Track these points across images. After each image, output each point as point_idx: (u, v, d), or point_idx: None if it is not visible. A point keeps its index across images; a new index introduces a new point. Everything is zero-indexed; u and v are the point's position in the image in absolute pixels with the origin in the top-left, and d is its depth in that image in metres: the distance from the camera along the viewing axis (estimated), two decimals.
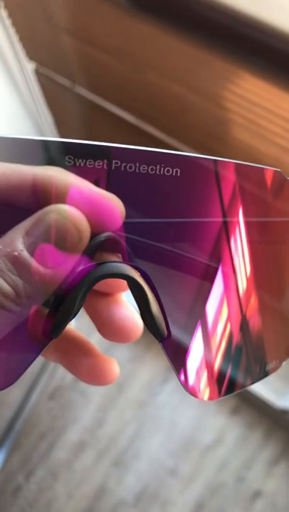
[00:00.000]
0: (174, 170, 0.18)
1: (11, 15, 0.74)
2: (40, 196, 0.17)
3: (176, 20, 0.55)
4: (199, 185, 0.19)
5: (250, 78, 0.53)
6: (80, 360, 0.22)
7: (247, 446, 1.00)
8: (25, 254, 0.17)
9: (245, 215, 0.20)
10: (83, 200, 0.17)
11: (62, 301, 0.18)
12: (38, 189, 0.17)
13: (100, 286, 0.20)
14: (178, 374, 0.21)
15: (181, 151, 0.21)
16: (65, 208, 0.17)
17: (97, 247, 0.18)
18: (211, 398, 0.22)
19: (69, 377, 1.09)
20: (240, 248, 0.20)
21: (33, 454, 1.03)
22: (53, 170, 0.17)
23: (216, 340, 0.21)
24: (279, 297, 0.23)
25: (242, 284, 0.22)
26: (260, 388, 1.00)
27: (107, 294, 0.21)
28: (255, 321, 0.23)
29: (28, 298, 0.17)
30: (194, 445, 1.01)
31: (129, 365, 1.09)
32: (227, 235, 0.20)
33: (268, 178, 0.21)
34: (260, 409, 1.02)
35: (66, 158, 0.17)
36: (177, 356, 0.20)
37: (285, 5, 0.45)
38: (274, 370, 0.24)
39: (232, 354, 0.22)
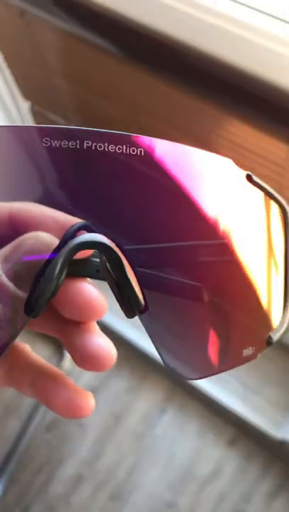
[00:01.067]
0: (139, 150, 0.20)
1: (6, 58, 0.76)
2: (17, 227, 0.18)
3: (168, 69, 0.56)
4: (160, 165, 0.21)
5: (240, 125, 0.54)
6: (57, 395, 0.22)
7: (245, 478, 1.00)
8: (4, 278, 0.17)
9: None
10: (58, 227, 0.18)
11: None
12: (15, 221, 0.18)
13: (73, 313, 0.21)
14: (157, 349, 0.21)
15: None
16: (42, 234, 0.18)
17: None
18: (190, 378, 0.22)
19: None
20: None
21: (29, 488, 1.03)
22: (29, 204, 0.19)
23: (193, 317, 0.22)
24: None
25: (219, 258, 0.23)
26: (258, 419, 0.99)
27: (80, 323, 0.22)
28: (234, 303, 0.24)
29: (6, 321, 0.18)
30: (192, 477, 1.01)
31: (125, 397, 1.09)
32: (192, 209, 0.22)
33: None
34: (257, 440, 1.02)
35: (43, 140, 0.19)
36: (156, 331, 0.21)
37: (273, 58, 0.47)
38: (250, 358, 0.24)
39: (209, 332, 0.23)
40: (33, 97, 0.83)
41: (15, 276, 0.18)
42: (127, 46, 0.58)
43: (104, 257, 0.20)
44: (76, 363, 0.22)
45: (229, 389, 1.04)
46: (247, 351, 0.24)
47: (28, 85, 0.81)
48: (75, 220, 0.19)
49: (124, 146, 0.20)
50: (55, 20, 0.60)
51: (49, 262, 0.18)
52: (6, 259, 0.18)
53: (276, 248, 0.25)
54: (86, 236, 0.19)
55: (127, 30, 0.54)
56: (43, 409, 1.07)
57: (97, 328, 0.22)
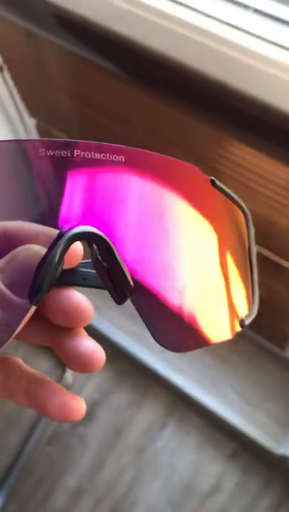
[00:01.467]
0: (120, 157, 0.23)
1: (13, 76, 0.78)
2: (10, 243, 0.21)
3: (172, 91, 0.58)
4: (141, 171, 0.24)
5: (242, 146, 0.56)
6: (50, 400, 0.23)
7: (246, 493, 1.00)
8: (1, 286, 0.20)
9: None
10: (48, 241, 0.20)
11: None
12: (9, 237, 0.21)
13: (63, 319, 0.23)
14: (149, 328, 0.23)
15: None
16: (34, 246, 0.20)
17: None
18: (180, 350, 0.24)
19: (67, 422, 1.09)
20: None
21: (30, 501, 1.03)
22: (21, 222, 0.21)
23: (181, 294, 0.24)
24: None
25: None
26: (258, 434, 1.00)
27: (69, 329, 0.23)
28: (210, 291, 0.26)
29: (5, 325, 0.20)
30: (193, 492, 1.01)
31: (127, 410, 1.09)
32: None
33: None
34: (258, 455, 1.02)
35: (39, 150, 0.21)
36: (147, 311, 0.23)
37: (275, 83, 0.48)
38: (225, 338, 0.26)
39: (199, 308, 0.25)
40: (39, 114, 0.85)
41: (11, 284, 0.20)
42: (128, 67, 0.59)
43: (95, 248, 0.22)
44: (68, 366, 0.24)
45: (229, 403, 1.04)
46: (223, 332, 0.26)
47: (34, 103, 0.82)
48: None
49: (108, 154, 0.22)
50: (59, 40, 0.61)
51: (49, 251, 0.20)
52: (2, 270, 0.20)
53: (241, 246, 0.28)
54: (80, 228, 0.21)
55: (129, 51, 0.56)
56: (44, 422, 1.08)
57: (84, 332, 0.24)
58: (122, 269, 0.22)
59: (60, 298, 0.22)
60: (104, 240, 0.21)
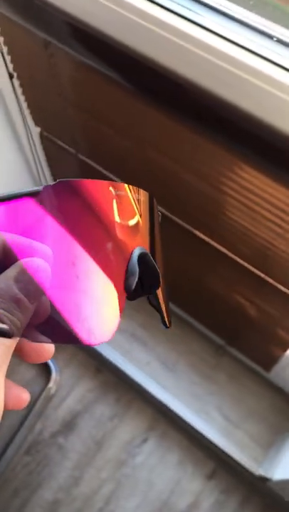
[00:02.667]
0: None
1: (22, 84, 0.78)
2: (9, 254, 0.24)
3: (180, 108, 0.59)
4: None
5: (248, 169, 0.57)
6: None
7: None
8: (22, 297, 0.23)
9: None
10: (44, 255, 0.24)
11: None
12: (8, 247, 0.24)
13: (30, 358, 0.28)
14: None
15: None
16: (37, 259, 0.24)
17: None
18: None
19: (47, 432, 1.08)
20: None
21: None
22: (11, 235, 0.24)
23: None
24: None
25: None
26: (238, 454, 1.00)
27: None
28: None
29: (22, 328, 0.23)
30: (170, 510, 1.00)
31: (109, 423, 1.08)
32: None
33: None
34: (237, 475, 1.02)
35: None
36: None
37: (284, 109, 0.49)
38: None
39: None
40: (44, 123, 0.85)
41: (27, 293, 0.23)
42: (142, 83, 0.60)
43: None
44: (25, 359, 0.28)
45: (212, 422, 1.04)
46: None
47: (40, 112, 0.83)
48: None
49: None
50: (73, 52, 0.62)
51: None
52: (17, 280, 0.23)
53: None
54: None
55: (144, 67, 0.56)
56: (24, 431, 1.06)
57: None
58: None
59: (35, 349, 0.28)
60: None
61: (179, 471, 1.04)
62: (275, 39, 0.45)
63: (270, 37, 0.46)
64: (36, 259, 0.23)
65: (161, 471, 1.04)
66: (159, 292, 0.31)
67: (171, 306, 0.96)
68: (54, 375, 1.12)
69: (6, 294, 0.22)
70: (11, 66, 0.76)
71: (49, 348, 0.29)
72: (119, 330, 0.30)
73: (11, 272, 0.23)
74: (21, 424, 1.07)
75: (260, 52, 0.46)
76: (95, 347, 1.05)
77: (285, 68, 0.46)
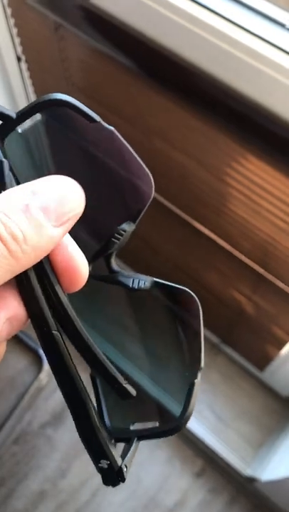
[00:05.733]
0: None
1: (30, 68, 0.78)
2: None
3: (190, 97, 0.58)
4: None
5: (255, 160, 0.56)
6: None
7: None
8: (37, 211, 0.19)
9: None
10: None
11: None
12: None
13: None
14: None
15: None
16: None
17: None
18: None
19: (36, 422, 1.07)
20: None
21: None
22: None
23: None
24: None
25: None
26: (227, 453, 0.99)
27: None
28: None
29: (33, 248, 0.19)
30: (157, 506, 1.00)
31: None
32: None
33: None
34: (225, 474, 1.01)
35: None
36: None
37: None
38: None
39: None
40: None
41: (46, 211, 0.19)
42: (153, 70, 0.60)
43: None
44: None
45: (203, 420, 1.04)
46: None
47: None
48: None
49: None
50: (84, 36, 0.62)
51: None
52: (35, 192, 0.19)
53: None
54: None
55: (155, 54, 0.56)
56: (13, 420, 1.05)
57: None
58: None
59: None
60: None
61: (168, 468, 1.03)
62: (287, 27, 0.45)
63: (281, 25, 0.45)
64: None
65: (149, 466, 1.03)
66: None
67: None
68: (46, 365, 1.11)
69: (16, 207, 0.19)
70: (19, 49, 0.75)
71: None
72: None
73: (34, 186, 0.20)
74: (11, 413, 1.06)
75: (271, 41, 0.45)
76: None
77: None
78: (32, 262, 0.20)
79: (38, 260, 0.20)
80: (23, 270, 0.20)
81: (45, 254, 0.20)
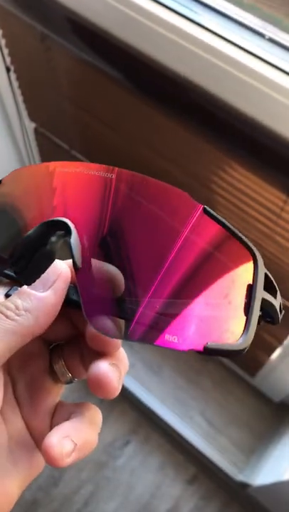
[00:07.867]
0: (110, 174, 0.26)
1: (19, 78, 0.79)
2: None
3: (175, 106, 0.59)
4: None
5: (239, 168, 0.57)
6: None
7: None
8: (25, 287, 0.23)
9: None
10: None
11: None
12: None
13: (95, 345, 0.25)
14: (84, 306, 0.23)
15: None
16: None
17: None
18: (114, 336, 0.24)
19: None
20: None
21: None
22: None
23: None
24: None
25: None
26: (220, 459, 1.00)
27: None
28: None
29: (25, 310, 0.23)
30: None
31: None
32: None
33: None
34: (217, 480, 1.02)
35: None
36: (88, 290, 0.23)
37: (276, 109, 0.50)
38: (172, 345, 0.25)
39: (141, 301, 0.24)
40: (39, 118, 0.86)
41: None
42: (138, 80, 0.61)
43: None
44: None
45: (195, 426, 1.04)
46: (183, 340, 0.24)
47: (36, 107, 0.83)
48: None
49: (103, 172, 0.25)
50: (72, 47, 0.63)
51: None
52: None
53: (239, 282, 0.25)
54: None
55: (141, 64, 0.57)
56: None
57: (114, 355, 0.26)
58: (72, 251, 0.23)
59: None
60: (66, 223, 0.24)
61: (160, 475, 1.03)
62: (267, 38, 0.46)
63: (262, 35, 0.46)
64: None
65: (141, 474, 1.03)
66: None
67: None
68: None
69: None
70: (8, 59, 0.76)
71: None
72: None
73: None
74: None
75: (252, 51, 0.46)
76: None
77: (277, 67, 0.47)
78: (33, 324, 0.23)
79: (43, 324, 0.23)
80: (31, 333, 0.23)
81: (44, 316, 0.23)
